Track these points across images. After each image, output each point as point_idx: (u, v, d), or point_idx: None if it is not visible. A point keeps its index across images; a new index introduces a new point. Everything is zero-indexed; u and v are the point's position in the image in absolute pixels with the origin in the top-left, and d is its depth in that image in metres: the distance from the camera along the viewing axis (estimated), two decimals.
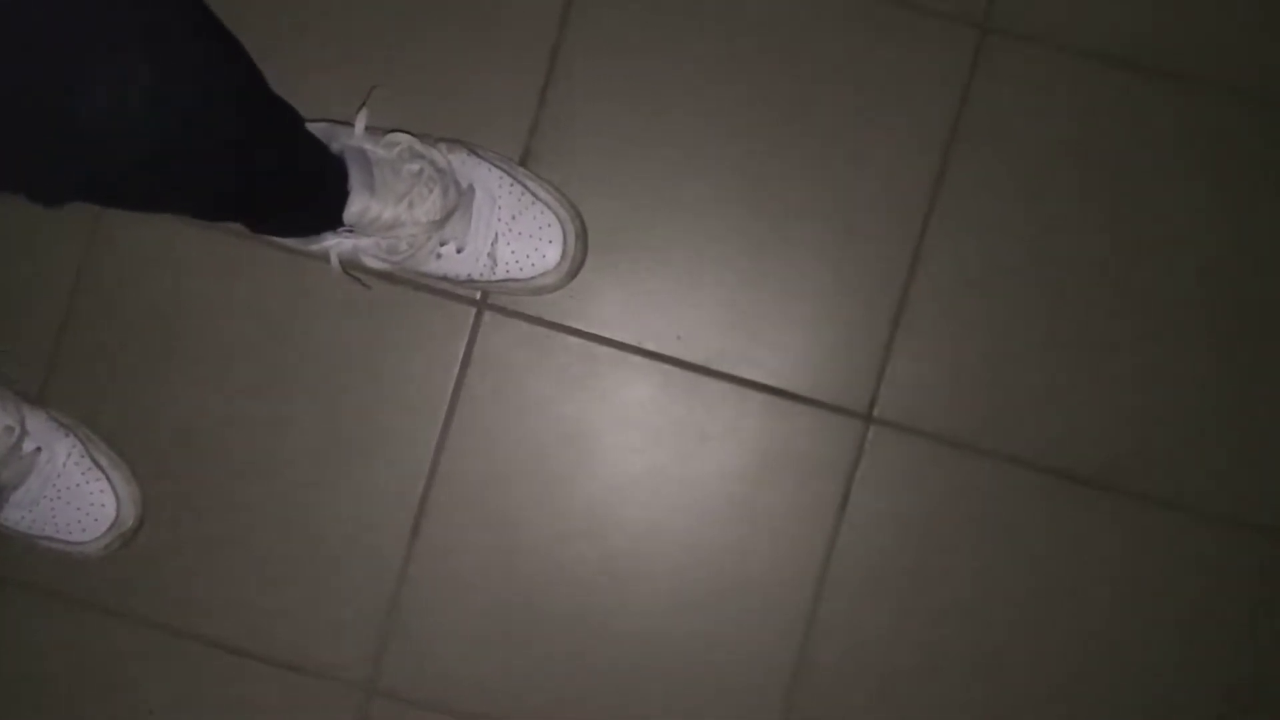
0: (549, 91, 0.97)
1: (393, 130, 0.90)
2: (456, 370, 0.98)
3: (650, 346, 0.98)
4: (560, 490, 0.99)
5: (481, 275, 0.92)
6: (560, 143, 0.97)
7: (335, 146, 0.87)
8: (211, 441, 0.98)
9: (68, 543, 0.95)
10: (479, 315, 0.97)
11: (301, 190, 0.84)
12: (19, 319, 0.98)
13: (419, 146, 0.89)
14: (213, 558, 0.99)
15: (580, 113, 0.97)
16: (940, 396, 0.98)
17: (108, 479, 0.95)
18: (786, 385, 0.98)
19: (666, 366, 0.98)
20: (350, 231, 0.87)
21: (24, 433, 0.91)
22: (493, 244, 0.91)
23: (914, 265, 0.97)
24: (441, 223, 0.88)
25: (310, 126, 0.88)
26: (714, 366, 0.98)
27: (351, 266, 0.91)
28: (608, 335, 0.98)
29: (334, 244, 0.88)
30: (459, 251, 0.90)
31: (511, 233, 0.91)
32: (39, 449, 0.92)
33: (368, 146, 0.88)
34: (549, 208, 0.93)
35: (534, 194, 0.93)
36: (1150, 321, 0.98)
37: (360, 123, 0.88)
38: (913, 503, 0.98)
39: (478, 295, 0.97)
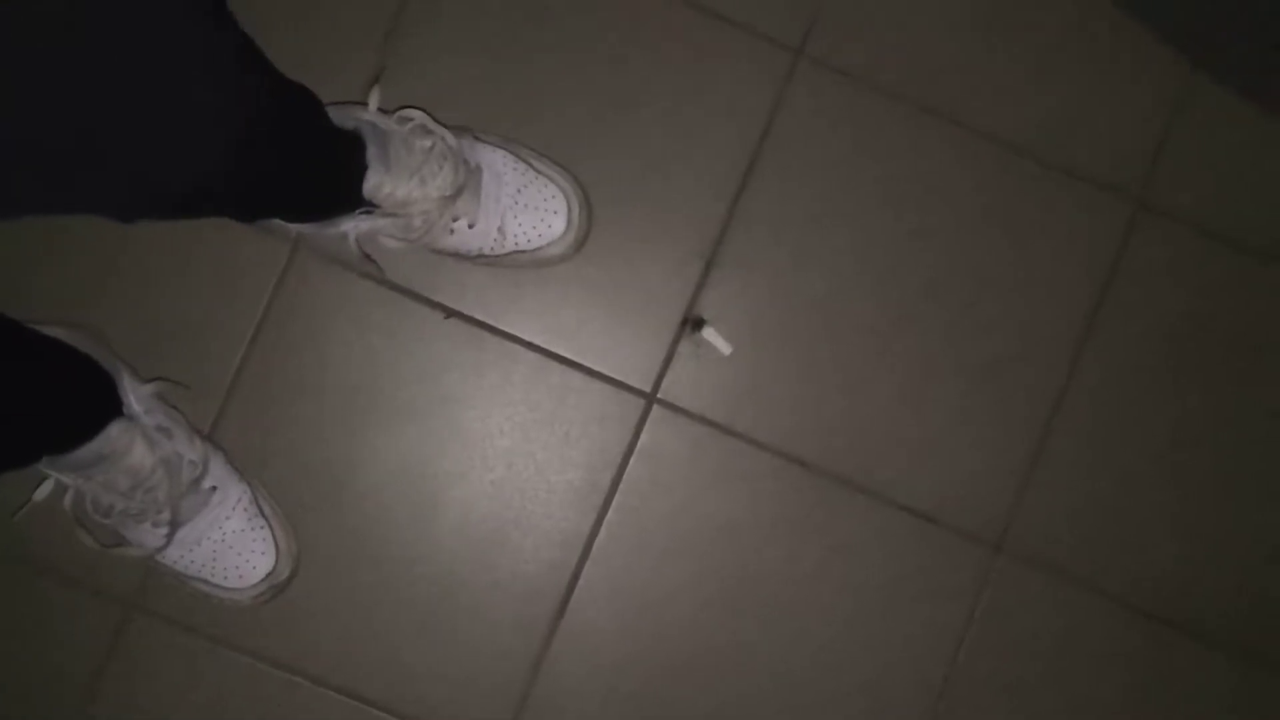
0: (737, 206, 1.03)
1: (405, 107, 0.93)
2: (620, 458, 1.01)
3: (800, 454, 1.03)
4: (704, 581, 1.02)
5: (492, 249, 0.95)
6: (741, 256, 1.03)
7: (350, 123, 0.89)
8: (372, 499, 1.01)
9: (221, 588, 0.96)
10: (647, 408, 1.02)
11: (328, 170, 0.85)
12: (198, 365, 1.00)
13: (430, 124, 0.92)
14: (360, 612, 1.00)
15: (760, 231, 1.03)
16: (1071, 534, 1.03)
17: (270, 530, 0.96)
18: (921, 506, 1.03)
19: (813, 476, 1.02)
20: (367, 213, 0.89)
21: (205, 471, 0.93)
22: (502, 218, 0.95)
23: (1058, 404, 1.04)
24: (453, 199, 0.91)
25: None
26: (854, 479, 1.03)
27: (369, 246, 0.94)
28: (763, 440, 1.02)
29: (351, 226, 0.90)
30: (471, 227, 0.94)
31: (518, 205, 0.95)
32: (214, 488, 0.94)
33: (381, 122, 0.90)
34: (552, 180, 0.97)
35: (537, 169, 0.97)
36: None
37: (374, 100, 0.91)
38: (1031, 634, 1.03)
39: (648, 389, 1.02)
